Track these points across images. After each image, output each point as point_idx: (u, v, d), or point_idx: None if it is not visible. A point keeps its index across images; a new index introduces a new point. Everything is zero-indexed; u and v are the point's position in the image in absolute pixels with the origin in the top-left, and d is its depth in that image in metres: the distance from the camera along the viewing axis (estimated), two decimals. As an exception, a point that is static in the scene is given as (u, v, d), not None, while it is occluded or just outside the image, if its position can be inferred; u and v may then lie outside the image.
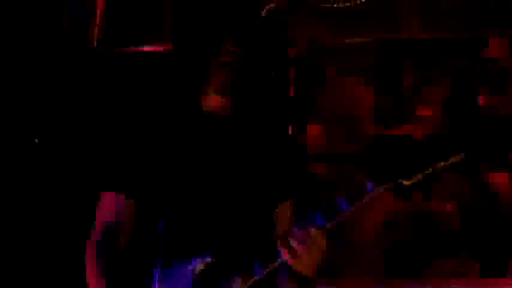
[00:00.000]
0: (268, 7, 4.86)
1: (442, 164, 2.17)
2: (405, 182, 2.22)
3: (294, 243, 2.21)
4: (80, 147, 5.20)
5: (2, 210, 4.88)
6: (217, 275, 2.35)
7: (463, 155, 2.20)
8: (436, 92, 5.76)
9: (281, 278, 2.52)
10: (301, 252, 2.21)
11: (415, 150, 2.20)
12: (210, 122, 2.62)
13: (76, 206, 4.85)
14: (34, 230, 4.96)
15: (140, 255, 2.23)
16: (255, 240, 2.49)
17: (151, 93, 4.74)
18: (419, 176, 2.21)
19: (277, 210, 2.61)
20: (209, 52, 2.51)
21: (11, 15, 4.99)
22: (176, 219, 2.38)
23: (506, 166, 5.45)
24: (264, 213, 2.57)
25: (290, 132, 4.84)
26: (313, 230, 2.20)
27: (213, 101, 2.60)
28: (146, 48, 5.10)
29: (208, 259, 2.37)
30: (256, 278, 2.28)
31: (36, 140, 5.26)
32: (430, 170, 2.20)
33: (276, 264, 2.30)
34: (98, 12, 5.21)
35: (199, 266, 2.36)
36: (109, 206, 2.65)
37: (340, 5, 4.98)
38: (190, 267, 2.35)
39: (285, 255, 2.23)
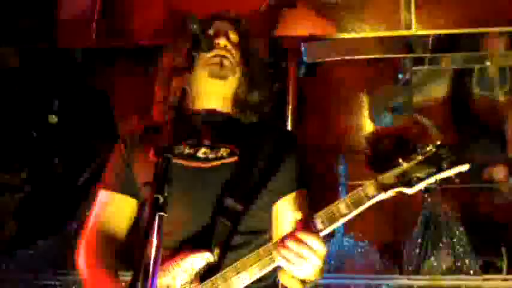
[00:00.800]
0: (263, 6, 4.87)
1: (447, 175, 2.16)
2: (408, 192, 2.21)
3: (290, 252, 2.17)
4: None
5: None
6: (216, 271, 2.36)
7: (467, 166, 2.19)
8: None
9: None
10: (297, 260, 2.17)
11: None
12: (206, 119, 2.66)
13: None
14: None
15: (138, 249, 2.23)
16: (253, 237, 2.52)
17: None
18: (422, 186, 2.19)
19: (275, 207, 2.60)
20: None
21: None
22: (175, 216, 2.37)
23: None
24: (261, 210, 2.57)
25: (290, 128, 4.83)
26: (310, 237, 2.17)
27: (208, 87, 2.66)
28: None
29: (208, 256, 2.38)
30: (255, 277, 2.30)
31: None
32: (434, 180, 2.19)
33: (272, 267, 2.29)
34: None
35: (198, 262, 2.36)
36: (102, 203, 2.69)
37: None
38: (190, 263, 2.37)
39: (282, 262, 2.21)
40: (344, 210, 2.23)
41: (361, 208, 2.23)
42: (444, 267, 4.93)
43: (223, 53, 2.66)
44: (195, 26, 2.46)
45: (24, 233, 5.36)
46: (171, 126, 2.15)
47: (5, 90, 5.44)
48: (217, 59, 2.64)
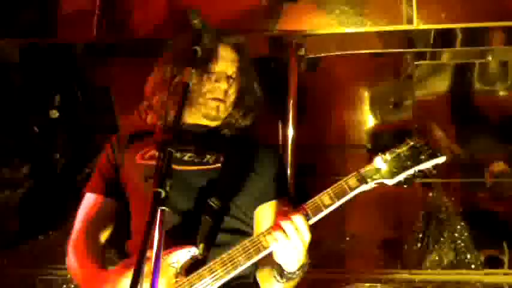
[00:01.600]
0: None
1: (425, 166, 2.27)
2: (389, 183, 2.31)
3: (278, 231, 2.25)
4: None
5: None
6: (202, 265, 2.40)
7: (444, 158, 2.29)
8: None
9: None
10: (284, 239, 2.25)
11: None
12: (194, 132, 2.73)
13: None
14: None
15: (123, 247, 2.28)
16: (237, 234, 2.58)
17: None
18: (402, 177, 2.30)
19: (256, 212, 2.68)
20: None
21: None
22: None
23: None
24: (243, 213, 2.65)
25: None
26: (296, 216, 2.25)
27: (197, 120, 2.74)
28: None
29: (193, 250, 2.43)
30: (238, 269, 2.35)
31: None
32: (413, 171, 2.30)
33: (260, 256, 2.34)
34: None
35: (184, 257, 2.40)
36: (88, 205, 2.73)
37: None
38: (176, 258, 2.40)
39: (273, 245, 2.28)
40: (327, 202, 2.31)
41: (344, 199, 2.31)
42: (446, 262, 4.94)
43: (221, 97, 2.75)
44: (196, 21, 2.47)
45: (25, 229, 5.36)
46: (174, 122, 2.18)
47: (6, 85, 5.44)
48: (214, 104, 2.75)
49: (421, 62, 5.46)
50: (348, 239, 5.21)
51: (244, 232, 2.64)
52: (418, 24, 4.85)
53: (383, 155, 2.33)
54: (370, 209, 4.82)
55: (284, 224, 2.26)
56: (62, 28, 5.25)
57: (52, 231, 5.18)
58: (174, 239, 2.43)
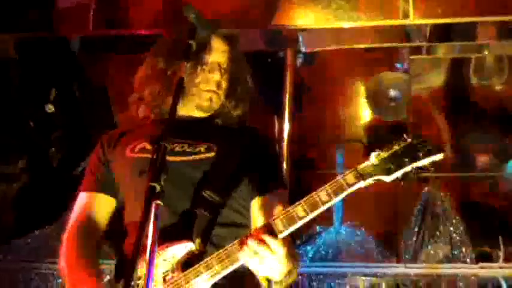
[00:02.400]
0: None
1: (422, 163, 2.26)
2: (386, 179, 2.28)
3: (250, 250, 2.21)
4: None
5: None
6: (198, 261, 2.35)
7: (442, 155, 2.28)
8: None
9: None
10: (255, 259, 2.21)
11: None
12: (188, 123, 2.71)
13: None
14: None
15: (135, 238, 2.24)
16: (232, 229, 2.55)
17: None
18: (399, 174, 2.27)
19: (253, 203, 2.63)
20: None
21: None
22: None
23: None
24: (239, 204, 2.60)
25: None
26: (269, 238, 2.20)
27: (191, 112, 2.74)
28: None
29: (189, 245, 2.39)
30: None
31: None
32: (410, 168, 2.26)
33: (237, 263, 2.30)
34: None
35: (180, 252, 2.39)
36: (81, 204, 2.72)
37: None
38: (171, 252, 2.39)
39: (244, 257, 2.25)
40: (325, 198, 2.27)
41: (341, 196, 2.27)
42: (441, 255, 4.95)
43: (214, 88, 2.73)
44: (191, 15, 2.46)
45: (21, 222, 5.37)
46: (170, 115, 2.17)
47: (3, 80, 5.44)
48: (207, 96, 2.72)
49: (417, 56, 5.47)
50: (343, 232, 5.23)
51: (241, 224, 2.60)
52: (414, 19, 4.86)
53: (380, 152, 2.30)
54: (366, 203, 4.82)
55: (250, 242, 2.21)
56: (59, 23, 5.25)
57: (48, 225, 5.19)
58: (169, 234, 2.40)
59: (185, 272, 2.36)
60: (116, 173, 2.69)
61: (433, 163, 2.29)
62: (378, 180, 2.29)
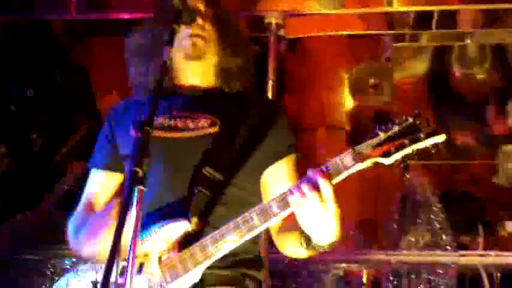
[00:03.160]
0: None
1: (423, 145, 2.13)
2: (385, 162, 2.17)
3: (300, 191, 2.11)
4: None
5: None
6: (195, 240, 2.30)
7: (443, 137, 2.15)
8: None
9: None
10: (307, 199, 2.10)
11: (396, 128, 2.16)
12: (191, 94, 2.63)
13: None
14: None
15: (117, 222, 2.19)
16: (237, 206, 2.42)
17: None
18: (399, 156, 2.16)
19: (263, 176, 2.53)
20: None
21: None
22: (154, 186, 2.31)
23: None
24: (246, 180, 2.49)
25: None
26: (317, 175, 2.11)
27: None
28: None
29: (185, 224, 2.34)
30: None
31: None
32: (411, 150, 2.15)
33: (252, 234, 2.23)
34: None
35: (176, 231, 2.36)
36: (93, 181, 2.69)
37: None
38: (167, 232, 2.36)
39: (293, 204, 2.14)
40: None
41: (339, 178, 2.18)
42: (422, 243, 4.98)
43: (198, 32, 2.58)
44: (176, 0, 2.43)
45: (2, 208, 5.34)
46: (151, 100, 2.13)
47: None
48: (189, 41, 2.56)
49: (401, 44, 5.48)
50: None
51: (247, 203, 2.43)
52: (397, 6, 4.85)
53: (380, 133, 2.17)
54: (347, 190, 4.83)
55: (302, 185, 2.10)
56: (41, 6, 5.19)
57: (29, 211, 5.16)
58: (166, 212, 2.39)
59: (180, 253, 2.32)
60: (122, 151, 2.61)
61: (436, 146, 2.17)
62: (377, 162, 2.18)
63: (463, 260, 4.69)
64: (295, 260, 4.72)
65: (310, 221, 2.17)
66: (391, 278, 4.65)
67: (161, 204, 2.44)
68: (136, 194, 1.88)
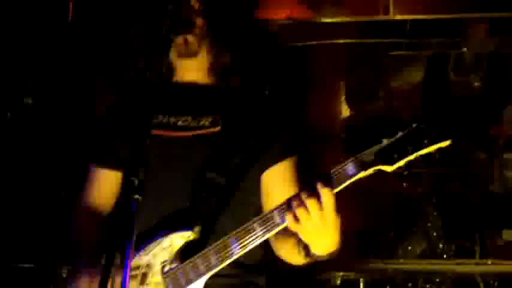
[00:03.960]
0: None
1: (427, 151, 2.05)
2: (387, 169, 2.12)
3: (296, 205, 2.05)
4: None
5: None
6: (200, 249, 2.27)
7: (448, 142, 2.07)
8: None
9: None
10: (303, 213, 2.04)
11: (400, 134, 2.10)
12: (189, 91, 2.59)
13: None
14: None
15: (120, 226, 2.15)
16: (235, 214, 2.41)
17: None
18: (403, 163, 2.09)
19: (263, 178, 2.48)
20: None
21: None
22: (153, 190, 2.24)
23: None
24: (248, 182, 2.46)
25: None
26: (318, 184, 2.04)
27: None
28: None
29: (188, 234, 2.31)
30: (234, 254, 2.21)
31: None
32: (413, 156, 2.09)
33: (254, 245, 2.18)
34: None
35: (178, 240, 2.33)
36: (92, 178, 2.66)
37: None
38: (169, 241, 2.32)
39: (288, 220, 2.08)
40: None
41: (340, 187, 2.13)
42: (418, 251, 4.97)
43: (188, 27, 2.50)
44: (171, 7, 2.41)
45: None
46: (148, 104, 2.11)
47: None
48: (181, 39, 2.49)
49: (397, 52, 5.48)
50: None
51: (249, 204, 2.46)
52: (394, 15, 4.86)
53: (383, 139, 2.10)
54: (343, 199, 4.81)
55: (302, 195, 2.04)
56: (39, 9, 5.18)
57: (26, 220, 5.13)
58: (168, 220, 2.35)
59: (183, 264, 2.28)
60: (120, 148, 2.56)
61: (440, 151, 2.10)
62: (380, 169, 2.12)
63: (460, 269, 4.68)
64: (292, 268, 4.71)
65: (309, 232, 2.13)
66: (388, 286, 4.64)
67: (163, 210, 2.41)
68: (131, 204, 1.87)
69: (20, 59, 5.23)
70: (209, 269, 2.24)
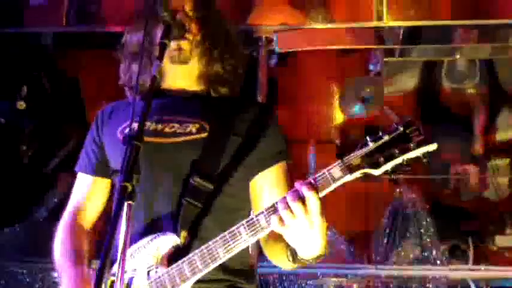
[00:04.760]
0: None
1: (414, 155, 2.06)
2: (375, 172, 2.11)
3: (282, 207, 2.06)
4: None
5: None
6: (185, 254, 2.26)
7: (435, 145, 2.08)
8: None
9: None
10: (288, 216, 2.05)
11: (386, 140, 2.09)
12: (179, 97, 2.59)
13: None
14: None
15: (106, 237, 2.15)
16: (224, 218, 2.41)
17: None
18: (389, 166, 2.08)
19: (252, 183, 2.50)
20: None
21: None
22: (141, 196, 2.21)
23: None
24: (235, 187, 2.46)
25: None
26: (304, 188, 2.04)
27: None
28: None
29: (174, 239, 2.31)
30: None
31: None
32: (401, 160, 2.08)
33: (239, 249, 2.19)
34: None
35: (165, 245, 2.35)
36: (80, 186, 2.66)
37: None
38: (155, 247, 2.32)
39: (273, 222, 2.09)
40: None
41: (327, 191, 2.12)
42: (412, 257, 4.98)
43: (182, 33, 2.51)
44: (165, 14, 2.42)
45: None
46: (140, 109, 2.12)
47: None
48: (175, 45, 2.50)
49: (391, 58, 5.49)
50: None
51: (236, 210, 2.46)
52: (387, 21, 4.87)
53: (370, 143, 2.09)
54: (337, 204, 4.83)
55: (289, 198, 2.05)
56: (32, 18, 5.18)
57: (18, 223, 5.13)
58: (155, 225, 2.35)
59: (168, 269, 2.28)
60: (108, 155, 2.58)
61: (428, 155, 2.09)
62: (366, 173, 2.11)
63: (453, 274, 4.69)
64: (284, 274, 4.71)
65: (295, 235, 2.13)
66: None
67: (149, 215, 2.41)
68: (125, 209, 1.87)
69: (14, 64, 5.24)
70: (194, 273, 2.24)
